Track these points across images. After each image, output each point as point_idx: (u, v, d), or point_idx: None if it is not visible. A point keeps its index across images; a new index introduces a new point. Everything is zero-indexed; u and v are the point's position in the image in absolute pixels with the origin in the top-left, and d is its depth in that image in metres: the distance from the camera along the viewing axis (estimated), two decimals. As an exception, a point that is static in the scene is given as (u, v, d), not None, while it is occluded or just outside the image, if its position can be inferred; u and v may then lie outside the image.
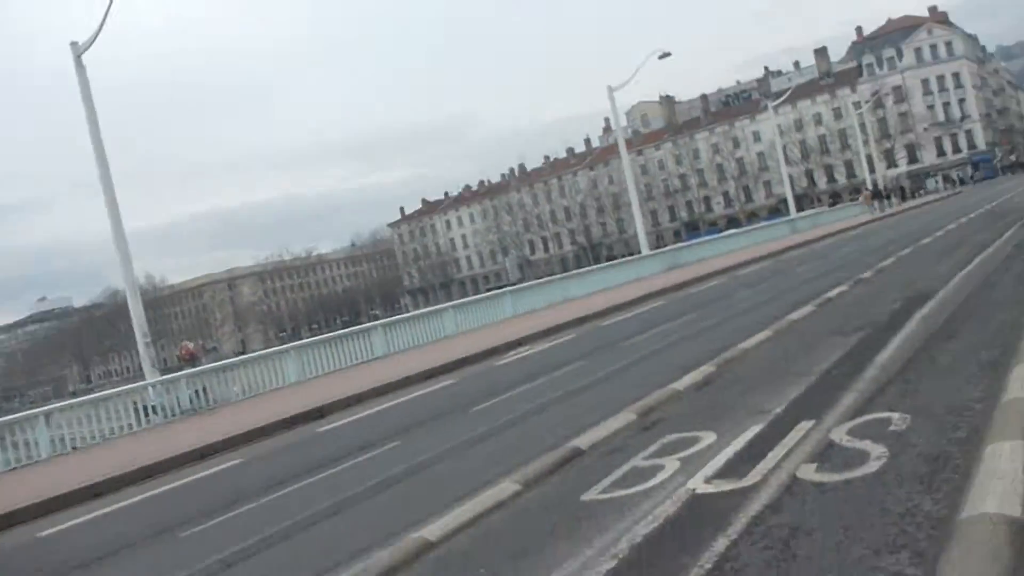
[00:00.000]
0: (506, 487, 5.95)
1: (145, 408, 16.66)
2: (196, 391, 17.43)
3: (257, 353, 20.38)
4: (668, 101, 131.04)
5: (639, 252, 35.90)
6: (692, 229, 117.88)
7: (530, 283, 30.56)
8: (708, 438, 6.12)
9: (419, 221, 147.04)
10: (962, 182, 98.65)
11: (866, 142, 77.67)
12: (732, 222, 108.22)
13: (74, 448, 15.61)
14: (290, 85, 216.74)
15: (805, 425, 5.85)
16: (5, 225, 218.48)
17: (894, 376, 6.83)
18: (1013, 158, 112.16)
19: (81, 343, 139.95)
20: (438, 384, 14.31)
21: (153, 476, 10.96)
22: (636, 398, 8.12)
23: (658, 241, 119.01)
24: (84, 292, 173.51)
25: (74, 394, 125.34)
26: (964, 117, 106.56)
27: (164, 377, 17.74)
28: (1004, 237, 16.77)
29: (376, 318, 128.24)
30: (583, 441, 6.87)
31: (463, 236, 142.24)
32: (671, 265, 33.27)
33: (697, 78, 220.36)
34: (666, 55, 34.83)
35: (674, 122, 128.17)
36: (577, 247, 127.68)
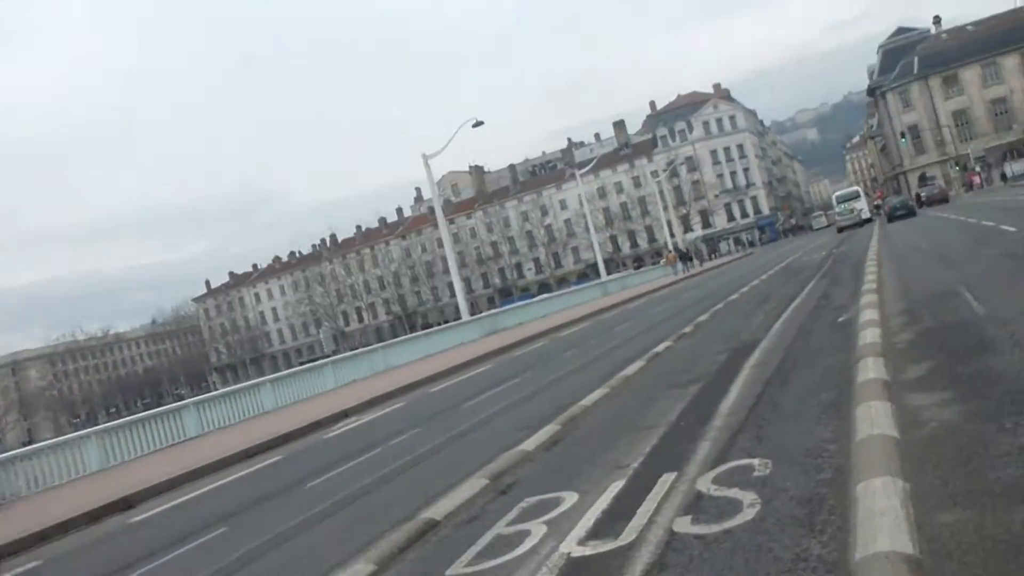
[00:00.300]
0: (360, 569, 5.44)
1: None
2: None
3: (51, 440, 18.39)
4: (477, 171, 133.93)
5: (456, 319, 35.81)
6: (505, 295, 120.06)
7: (351, 353, 29.70)
8: (570, 498, 5.86)
9: (226, 295, 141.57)
10: (751, 244, 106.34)
11: (665, 208, 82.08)
12: (544, 287, 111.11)
13: None
14: (85, 158, 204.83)
15: (668, 477, 5.72)
16: None
17: (743, 423, 6.87)
18: (793, 221, 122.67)
19: None
20: (263, 462, 13.39)
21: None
22: (484, 462, 7.79)
23: (473, 308, 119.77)
24: None
25: None
26: (749, 185, 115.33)
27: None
28: (807, 290, 17.85)
29: (181, 398, 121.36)
30: (436, 511, 6.44)
31: (273, 309, 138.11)
32: (491, 330, 33.37)
33: (504, 149, 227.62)
34: (479, 124, 35.44)
35: (484, 191, 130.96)
36: (392, 316, 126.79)
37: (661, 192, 79.67)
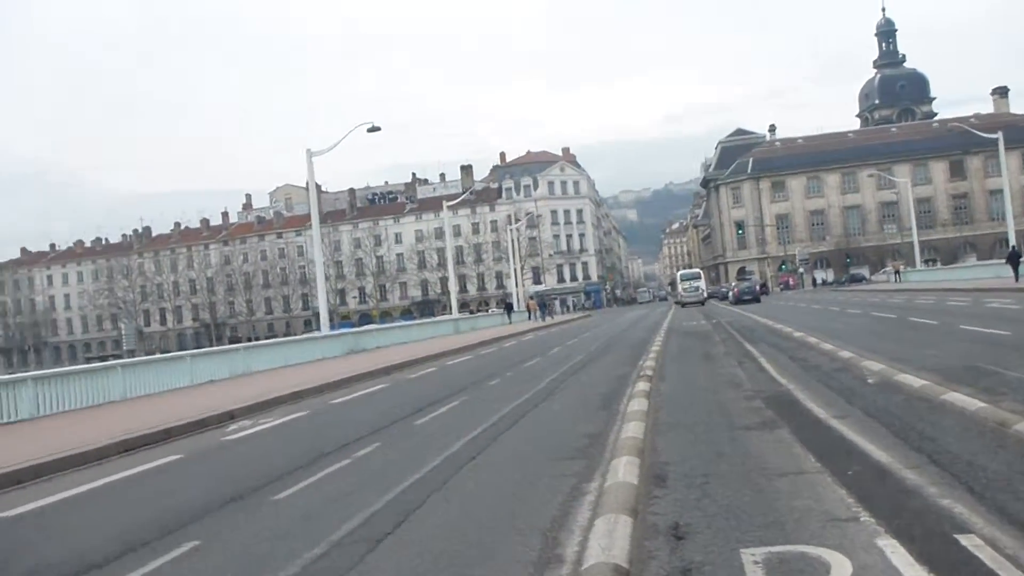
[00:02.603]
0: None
1: None
2: None
3: None
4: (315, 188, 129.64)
5: (263, 337, 33.23)
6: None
7: (209, 350, 26.61)
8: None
9: (13, 271, 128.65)
10: (578, 307, 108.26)
11: (513, 258, 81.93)
12: (364, 317, 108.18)
13: None
14: None
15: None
16: None
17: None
18: (617, 292, 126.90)
19: None
20: (152, 462, 10.87)
21: None
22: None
23: (287, 328, 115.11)
24: None
25: None
26: (583, 250, 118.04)
27: None
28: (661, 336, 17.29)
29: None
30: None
31: (66, 295, 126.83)
32: (352, 349, 31.07)
33: (344, 172, 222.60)
34: (375, 129, 33.47)
35: (319, 210, 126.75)
36: (198, 324, 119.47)
37: (515, 241, 79.56)
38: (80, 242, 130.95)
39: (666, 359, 18.02)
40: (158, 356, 23.20)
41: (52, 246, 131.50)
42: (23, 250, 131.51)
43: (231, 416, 14.87)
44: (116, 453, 11.92)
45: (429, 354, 26.51)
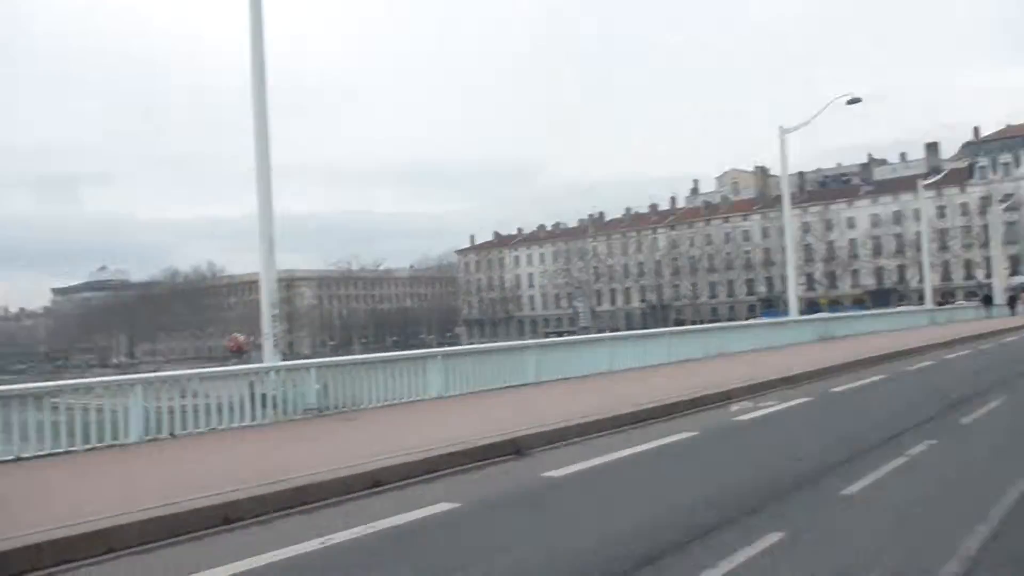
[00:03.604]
0: None
1: (263, 398, 13.25)
2: (324, 386, 14.01)
3: (399, 353, 16.93)
4: (762, 172, 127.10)
5: (706, 320, 31.97)
6: (768, 306, 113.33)
7: (685, 328, 26.87)
8: None
9: (487, 253, 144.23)
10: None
11: (984, 245, 72.56)
12: (812, 306, 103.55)
13: (172, 435, 12.15)
14: (363, 102, 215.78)
15: None
16: (72, 192, 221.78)
17: None
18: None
19: (133, 318, 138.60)
20: (671, 436, 10.63)
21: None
22: None
23: (731, 313, 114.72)
24: (142, 268, 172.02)
25: (118, 366, 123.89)
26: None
27: (288, 363, 14.39)
28: None
29: (426, 343, 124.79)
30: None
31: (530, 275, 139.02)
32: (822, 336, 29.30)
33: (793, 155, 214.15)
34: (855, 100, 31.26)
35: (767, 194, 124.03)
36: (646, 305, 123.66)
37: (985, 226, 70.58)
38: (542, 227, 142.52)
39: None
40: (637, 332, 23.72)
41: (519, 230, 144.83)
42: (496, 234, 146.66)
43: (727, 396, 14.39)
44: (628, 423, 12.00)
45: (918, 345, 23.92)
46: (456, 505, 7.33)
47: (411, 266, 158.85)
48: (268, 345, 14.46)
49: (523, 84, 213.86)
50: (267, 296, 14.72)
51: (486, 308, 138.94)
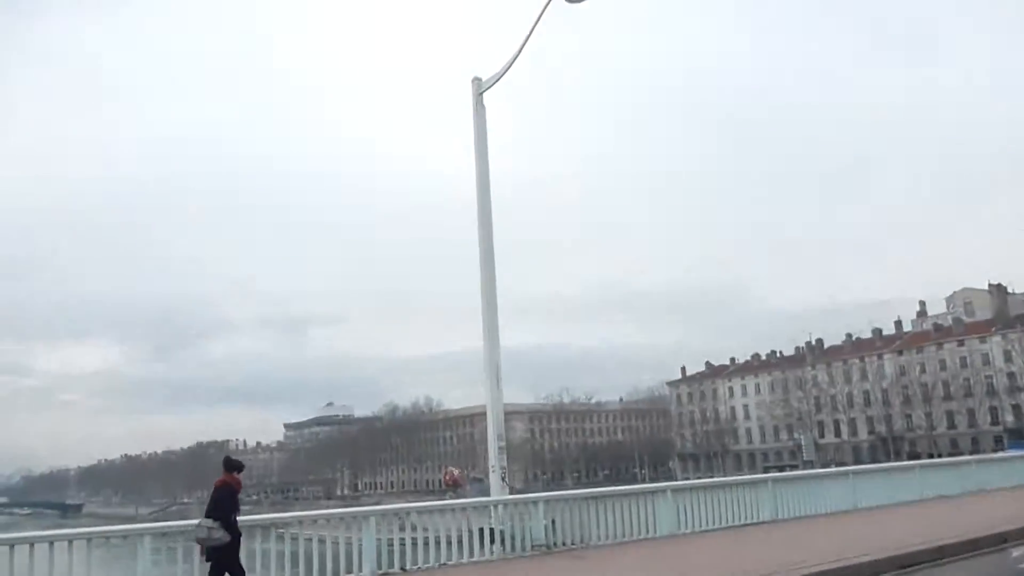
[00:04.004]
0: None
1: (491, 532, 12.93)
2: (552, 521, 13.53)
3: (627, 488, 16.22)
4: (999, 290, 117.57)
5: (945, 454, 28.36)
6: (1017, 437, 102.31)
7: (937, 461, 24.41)
8: None
9: (700, 383, 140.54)
10: None
11: None
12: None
13: (403, 570, 11.99)
14: (564, 238, 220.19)
15: None
16: (307, 334, 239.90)
17: None
18: None
19: (355, 451, 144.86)
20: None
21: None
22: None
23: (973, 445, 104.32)
24: (365, 404, 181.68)
25: (342, 499, 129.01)
26: None
27: (516, 496, 14.08)
28: None
29: (638, 478, 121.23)
30: None
31: (745, 406, 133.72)
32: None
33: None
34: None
35: (1004, 313, 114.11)
36: (874, 436, 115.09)
37: None
38: (756, 355, 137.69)
39: None
40: (884, 465, 21.68)
41: (732, 360, 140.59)
42: (707, 364, 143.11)
43: (1003, 539, 12.59)
44: (889, 570, 10.65)
45: None
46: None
47: (620, 399, 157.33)
48: (495, 478, 14.26)
49: (724, 204, 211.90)
50: (494, 428, 14.63)
51: (700, 441, 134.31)
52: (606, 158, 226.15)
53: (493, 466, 14.40)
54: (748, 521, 15.38)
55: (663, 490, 15.23)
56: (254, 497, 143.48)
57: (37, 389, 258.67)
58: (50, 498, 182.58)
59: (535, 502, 13.86)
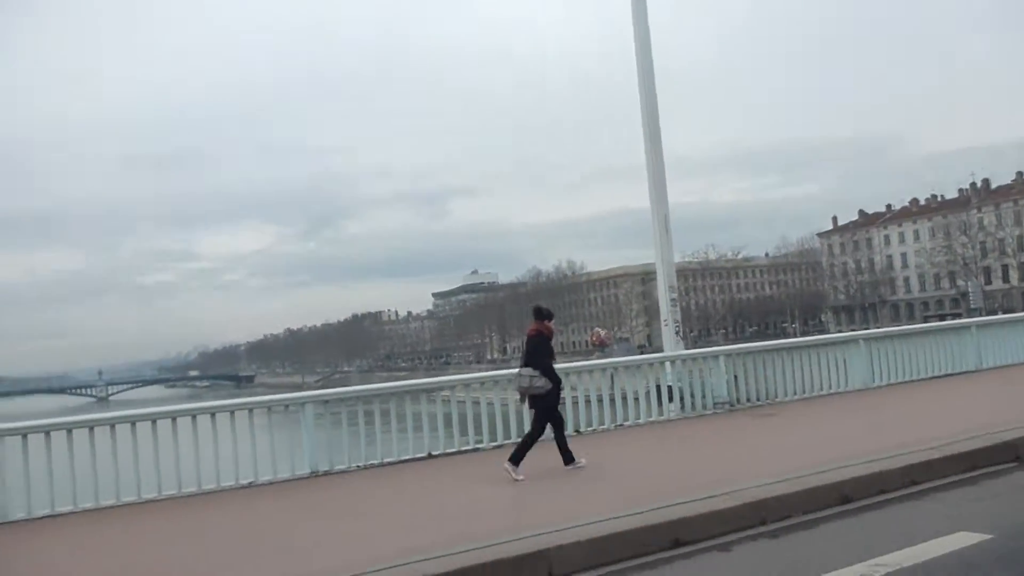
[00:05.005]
0: None
1: (669, 391, 12.01)
2: (734, 377, 12.46)
3: (817, 338, 14.97)
4: None
5: None
6: None
7: None
8: None
9: (852, 233, 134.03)
10: None
11: None
12: None
13: (577, 432, 11.29)
14: (703, 95, 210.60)
15: None
16: (449, 206, 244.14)
17: None
18: None
19: (502, 316, 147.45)
20: None
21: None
22: None
23: None
24: (510, 271, 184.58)
25: (492, 362, 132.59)
26: None
27: (693, 351, 13.07)
28: None
29: (788, 333, 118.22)
30: None
31: (903, 254, 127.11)
32: None
33: None
34: None
35: None
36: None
37: None
38: (915, 200, 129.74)
39: None
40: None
41: (888, 207, 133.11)
42: (861, 212, 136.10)
43: None
44: None
45: None
46: (986, 537, 5.39)
47: (766, 254, 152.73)
48: (668, 332, 13.28)
49: (876, 52, 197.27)
50: (664, 279, 13.55)
51: (854, 293, 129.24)
52: (749, 9, 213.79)
53: (665, 320, 13.38)
54: (952, 371, 13.88)
55: (854, 339, 13.91)
56: (406, 364, 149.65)
57: (205, 271, 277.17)
58: (225, 371, 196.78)
59: (715, 356, 12.84)
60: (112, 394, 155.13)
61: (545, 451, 9.34)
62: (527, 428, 11.41)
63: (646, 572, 5.72)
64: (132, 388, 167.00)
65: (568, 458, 9.33)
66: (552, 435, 9.42)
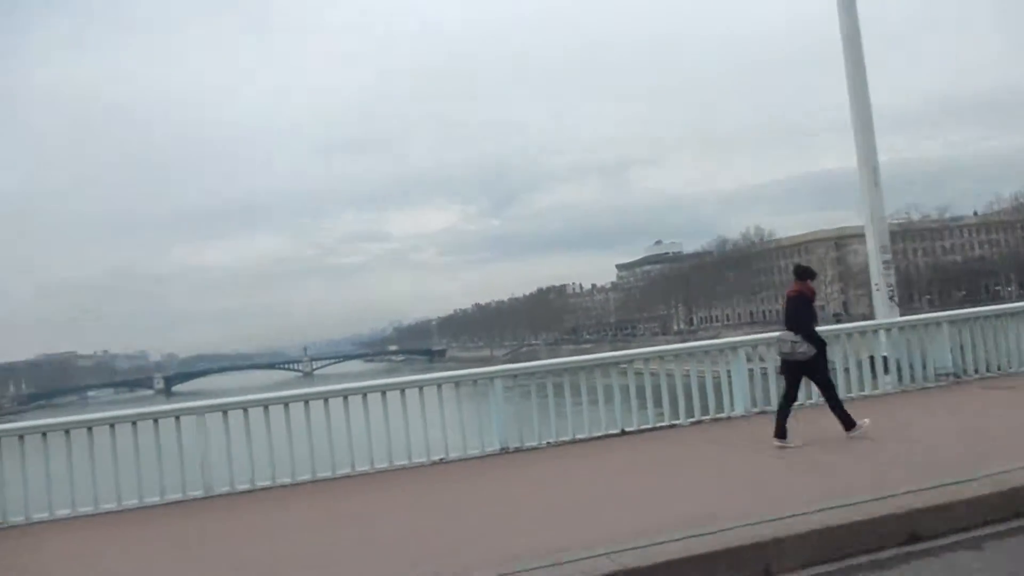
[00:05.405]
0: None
1: (885, 361, 10.90)
2: (959, 346, 11.17)
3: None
4: None
5: None
6: None
7: None
8: None
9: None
10: None
11: None
12: None
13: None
14: (899, 44, 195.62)
15: None
16: (629, 176, 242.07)
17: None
18: None
19: (688, 287, 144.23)
20: None
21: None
22: None
23: None
24: (694, 240, 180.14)
25: (679, 333, 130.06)
26: None
27: (909, 318, 11.84)
28: None
29: (1004, 296, 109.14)
30: None
31: None
32: None
33: None
34: None
35: None
36: None
37: None
38: None
39: None
40: None
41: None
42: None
43: None
44: None
45: None
46: None
47: (975, 212, 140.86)
48: (880, 297, 12.06)
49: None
50: (875, 239, 12.31)
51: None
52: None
53: (877, 284, 12.16)
54: None
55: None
56: (592, 336, 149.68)
57: (396, 251, 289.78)
58: (419, 345, 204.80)
59: (937, 323, 11.53)
60: (316, 369, 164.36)
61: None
62: (724, 403, 10.68)
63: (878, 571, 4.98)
64: (334, 363, 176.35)
65: (848, 422, 8.67)
66: (825, 399, 8.91)
